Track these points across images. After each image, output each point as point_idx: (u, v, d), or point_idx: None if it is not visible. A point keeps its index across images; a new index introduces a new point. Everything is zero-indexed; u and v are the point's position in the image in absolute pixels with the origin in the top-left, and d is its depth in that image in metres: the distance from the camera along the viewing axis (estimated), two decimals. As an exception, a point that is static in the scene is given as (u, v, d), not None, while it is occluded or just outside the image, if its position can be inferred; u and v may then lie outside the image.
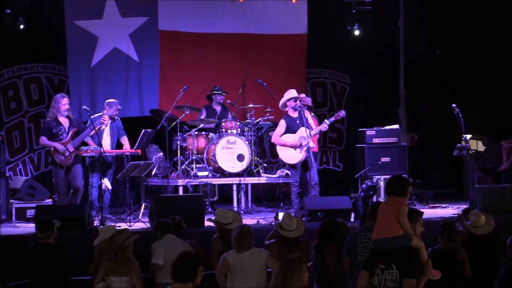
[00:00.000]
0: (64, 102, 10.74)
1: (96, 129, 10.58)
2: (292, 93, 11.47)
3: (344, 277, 6.85)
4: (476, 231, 7.10)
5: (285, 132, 11.41)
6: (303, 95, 11.86)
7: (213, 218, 7.46)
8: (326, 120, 11.53)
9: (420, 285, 5.78)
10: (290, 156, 11.36)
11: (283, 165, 11.98)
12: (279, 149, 11.50)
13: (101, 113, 11.17)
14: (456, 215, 8.88)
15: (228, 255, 6.60)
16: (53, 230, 7.21)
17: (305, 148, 11.17)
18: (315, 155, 11.55)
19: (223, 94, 12.37)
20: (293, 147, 11.27)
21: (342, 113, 11.60)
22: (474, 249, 7.01)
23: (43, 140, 10.72)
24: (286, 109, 11.50)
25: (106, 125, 11.09)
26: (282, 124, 11.45)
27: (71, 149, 10.58)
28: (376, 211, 6.59)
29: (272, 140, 11.67)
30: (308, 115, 11.49)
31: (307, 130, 11.12)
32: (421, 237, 5.97)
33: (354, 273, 6.63)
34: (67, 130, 10.67)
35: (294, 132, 11.34)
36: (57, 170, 10.64)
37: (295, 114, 11.39)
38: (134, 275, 6.53)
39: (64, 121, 10.72)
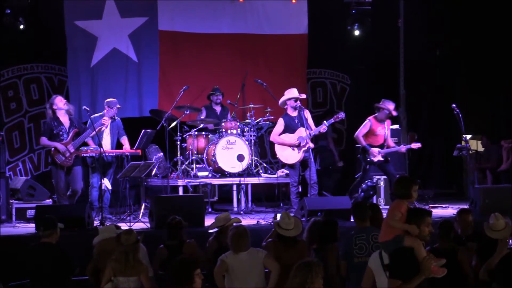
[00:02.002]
0: (59, 99, 10.72)
1: (96, 130, 10.57)
2: (293, 92, 11.42)
3: (344, 278, 6.85)
4: (492, 235, 6.74)
5: (283, 131, 11.37)
6: (304, 96, 11.83)
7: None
8: (325, 121, 11.50)
9: (412, 285, 5.63)
10: (287, 156, 11.33)
11: (283, 165, 11.96)
12: (277, 149, 11.47)
13: (101, 113, 11.16)
14: (455, 215, 8.84)
15: (225, 257, 6.59)
16: (55, 229, 7.22)
17: (304, 148, 11.16)
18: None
19: (217, 94, 12.35)
20: (291, 146, 11.26)
21: (342, 114, 11.57)
22: (484, 250, 6.89)
23: (44, 140, 10.69)
24: (286, 106, 11.48)
25: (107, 126, 11.08)
26: (280, 123, 11.41)
27: (72, 150, 10.56)
28: (358, 211, 6.89)
29: (271, 139, 11.63)
30: (308, 115, 11.47)
31: (307, 130, 11.11)
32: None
33: (352, 275, 6.63)
34: (67, 131, 10.65)
35: (293, 131, 11.31)
36: (57, 171, 10.63)
37: (294, 113, 11.37)
38: (143, 275, 6.47)
39: (65, 122, 10.70)
